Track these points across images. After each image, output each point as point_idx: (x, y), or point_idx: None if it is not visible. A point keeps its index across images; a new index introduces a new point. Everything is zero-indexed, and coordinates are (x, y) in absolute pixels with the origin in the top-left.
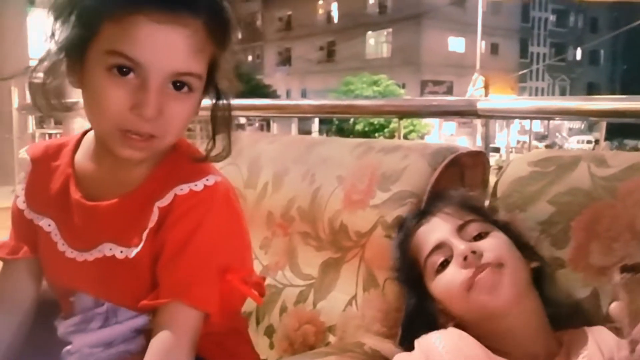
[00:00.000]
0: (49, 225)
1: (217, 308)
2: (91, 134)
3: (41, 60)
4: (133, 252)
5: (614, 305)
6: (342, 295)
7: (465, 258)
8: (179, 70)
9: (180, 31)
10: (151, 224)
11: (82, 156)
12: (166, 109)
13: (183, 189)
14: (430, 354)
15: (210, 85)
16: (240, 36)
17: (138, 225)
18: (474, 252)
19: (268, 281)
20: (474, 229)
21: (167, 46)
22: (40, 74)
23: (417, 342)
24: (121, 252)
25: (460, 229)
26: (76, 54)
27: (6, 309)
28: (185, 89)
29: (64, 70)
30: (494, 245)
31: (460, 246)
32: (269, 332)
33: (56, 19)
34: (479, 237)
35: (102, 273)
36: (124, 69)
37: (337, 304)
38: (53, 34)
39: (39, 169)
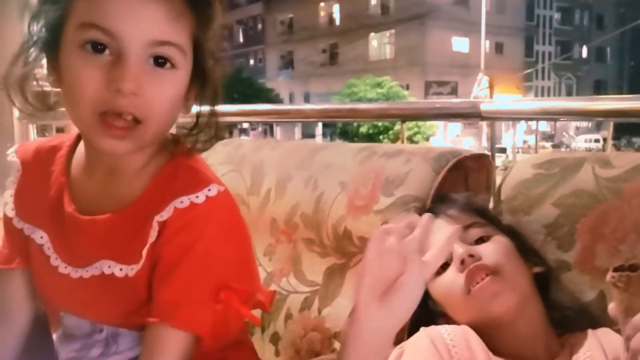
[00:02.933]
0: (41, 237)
1: (209, 329)
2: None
3: (17, 56)
4: (133, 269)
5: (610, 306)
6: (347, 302)
7: (462, 262)
8: (157, 39)
9: None
10: (151, 239)
11: (77, 164)
12: (147, 86)
13: (183, 201)
14: (436, 340)
15: (197, 70)
16: (224, 18)
17: (137, 241)
18: (471, 255)
19: (272, 288)
20: (476, 232)
21: (140, 12)
22: (18, 73)
23: (424, 329)
24: (121, 270)
25: (462, 232)
26: (51, 43)
27: (1, 322)
28: (168, 65)
29: (42, 67)
30: (493, 249)
31: (458, 250)
32: (275, 339)
33: (33, 16)
34: (481, 240)
35: (97, 291)
36: (99, 46)
37: (343, 310)
38: (29, 30)
39: (30, 173)
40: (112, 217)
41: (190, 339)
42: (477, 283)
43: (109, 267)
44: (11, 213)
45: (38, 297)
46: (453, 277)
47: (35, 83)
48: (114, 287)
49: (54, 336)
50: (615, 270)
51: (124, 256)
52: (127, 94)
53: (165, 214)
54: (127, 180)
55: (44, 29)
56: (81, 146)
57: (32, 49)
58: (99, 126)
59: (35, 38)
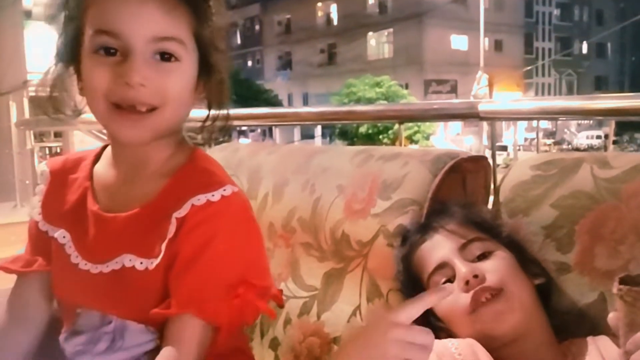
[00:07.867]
0: (64, 237)
1: (227, 322)
2: (110, 147)
3: (47, 72)
4: (153, 263)
5: (611, 315)
6: (346, 306)
7: (467, 282)
8: (157, 34)
9: None
10: (169, 234)
11: (101, 169)
12: (154, 78)
13: (200, 199)
14: (443, 356)
15: (203, 64)
16: (225, 10)
17: (157, 236)
18: (475, 276)
19: None
20: (477, 248)
21: (138, 11)
22: (46, 87)
23: None
24: (141, 263)
25: (463, 248)
26: (74, 55)
27: (18, 325)
28: (173, 59)
29: (69, 79)
30: (496, 267)
31: (462, 269)
32: (274, 344)
33: (59, 35)
34: (483, 256)
35: (115, 285)
36: (111, 50)
37: (342, 315)
38: (58, 47)
39: (56, 181)
40: (134, 214)
41: (208, 331)
42: (482, 303)
43: (130, 260)
44: (38, 217)
45: (55, 296)
46: (456, 296)
47: (65, 93)
48: (131, 280)
49: (61, 336)
50: (622, 282)
51: (144, 250)
52: (135, 85)
53: (182, 211)
54: (147, 180)
55: (67, 44)
56: (105, 154)
57: (59, 64)
58: (115, 116)
59: (61, 53)
